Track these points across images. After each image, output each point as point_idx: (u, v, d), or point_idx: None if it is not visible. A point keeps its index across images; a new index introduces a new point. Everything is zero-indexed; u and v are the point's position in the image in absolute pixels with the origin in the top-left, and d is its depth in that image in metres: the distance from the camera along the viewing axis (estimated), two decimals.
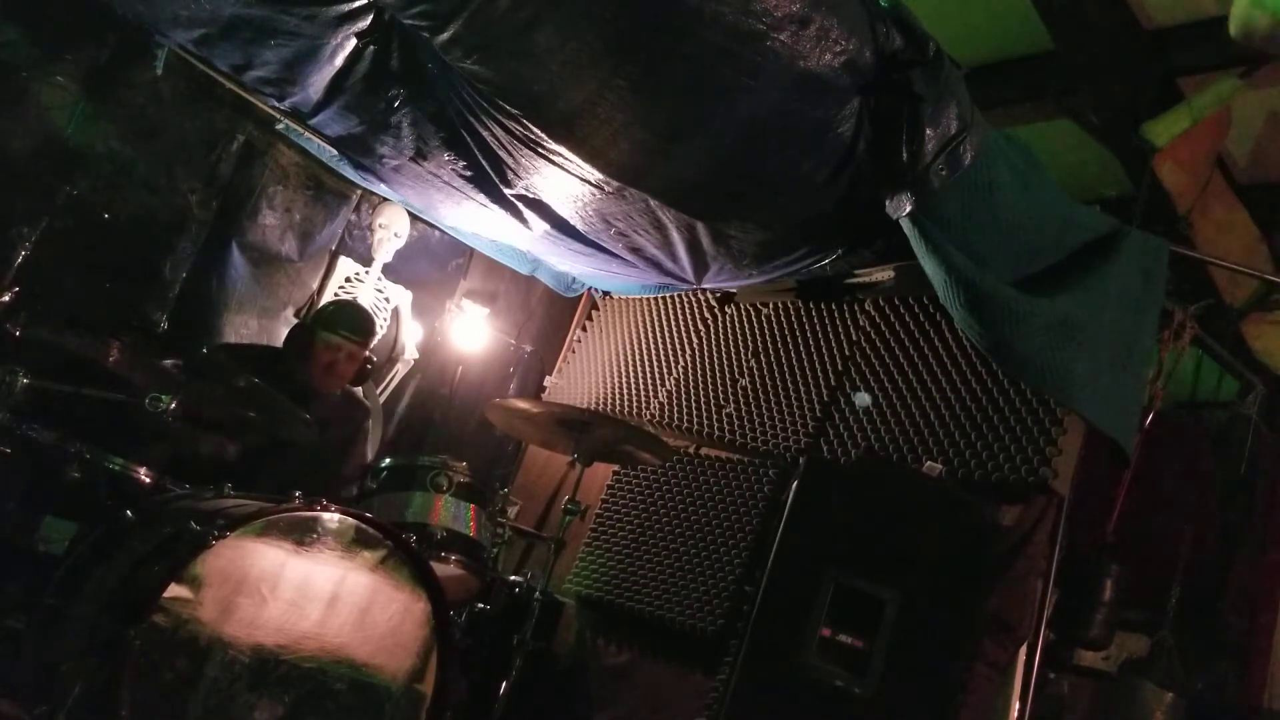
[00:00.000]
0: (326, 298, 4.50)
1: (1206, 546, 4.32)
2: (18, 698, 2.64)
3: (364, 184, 4.43)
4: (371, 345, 3.83)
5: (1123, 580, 3.54)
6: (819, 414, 3.93)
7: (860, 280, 4.11)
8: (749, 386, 4.26)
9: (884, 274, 4.00)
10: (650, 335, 4.87)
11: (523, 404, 4.00)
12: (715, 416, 4.29)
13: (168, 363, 3.01)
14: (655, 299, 4.94)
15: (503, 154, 3.44)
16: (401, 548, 2.86)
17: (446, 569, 3.34)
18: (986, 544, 3.10)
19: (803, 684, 3.00)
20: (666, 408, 4.52)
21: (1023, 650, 3.16)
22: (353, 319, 3.78)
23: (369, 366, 3.87)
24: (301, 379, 3.70)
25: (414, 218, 4.73)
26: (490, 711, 3.45)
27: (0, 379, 2.71)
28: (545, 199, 3.71)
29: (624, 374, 4.84)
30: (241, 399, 3.13)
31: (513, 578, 4.01)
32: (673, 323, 4.81)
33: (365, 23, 3.17)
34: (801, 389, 4.06)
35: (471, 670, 3.74)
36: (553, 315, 5.43)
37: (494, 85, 2.99)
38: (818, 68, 2.63)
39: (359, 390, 4.05)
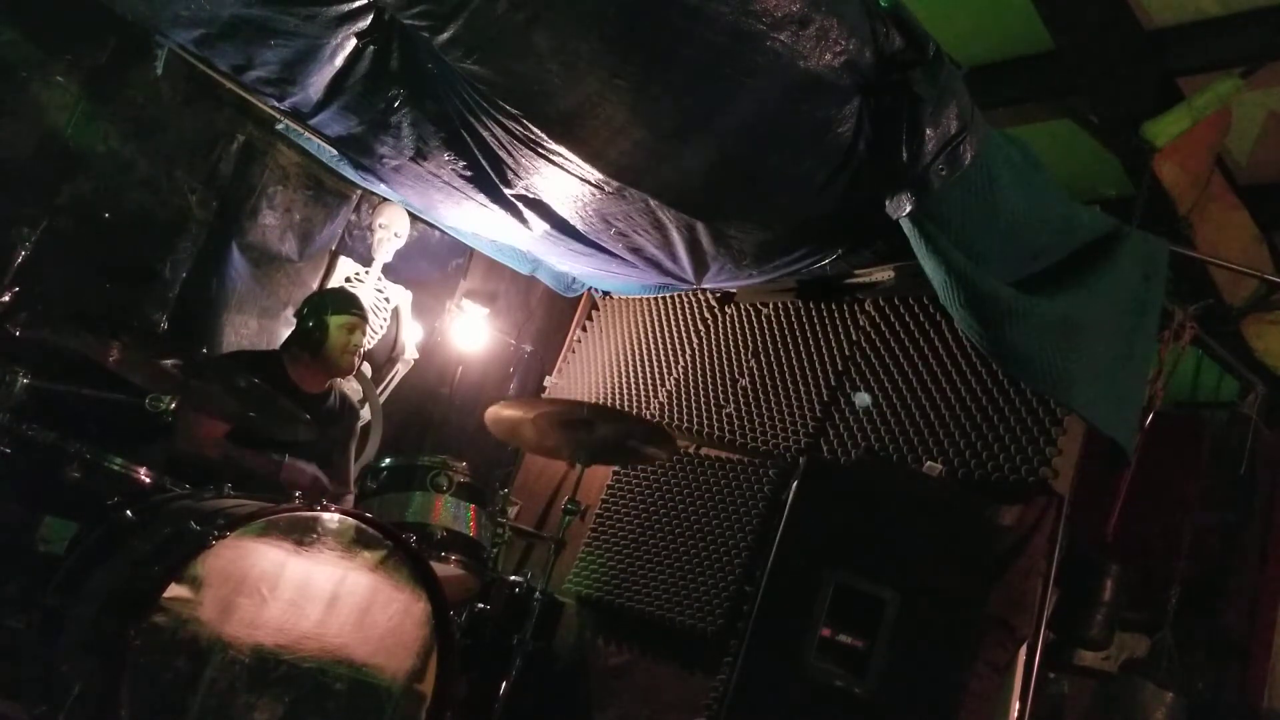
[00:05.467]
0: None
1: (1206, 546, 4.33)
2: (18, 698, 2.64)
3: (364, 184, 4.43)
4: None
5: (1123, 580, 3.54)
6: (819, 414, 3.93)
7: (860, 280, 4.11)
8: (749, 386, 4.26)
9: (884, 274, 4.00)
10: (650, 335, 4.87)
11: (518, 410, 3.94)
12: (715, 416, 4.29)
13: (168, 363, 3.00)
14: (655, 299, 4.93)
15: (503, 154, 3.44)
16: (402, 548, 2.85)
17: (446, 569, 3.34)
18: (986, 544, 3.10)
19: (803, 684, 3.00)
20: (666, 408, 4.52)
21: (1023, 650, 3.16)
22: (351, 298, 3.98)
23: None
24: (320, 369, 3.77)
25: (414, 218, 4.73)
26: (490, 711, 3.45)
27: (0, 379, 2.71)
28: (545, 199, 3.71)
29: (624, 374, 4.84)
30: (242, 399, 3.13)
31: (513, 578, 4.01)
32: (673, 323, 4.81)
33: (365, 23, 3.17)
34: (801, 389, 4.06)
35: (471, 670, 3.73)
36: (553, 315, 5.43)
37: (494, 85, 3.00)
38: (818, 68, 2.63)
39: (353, 391, 4.06)
